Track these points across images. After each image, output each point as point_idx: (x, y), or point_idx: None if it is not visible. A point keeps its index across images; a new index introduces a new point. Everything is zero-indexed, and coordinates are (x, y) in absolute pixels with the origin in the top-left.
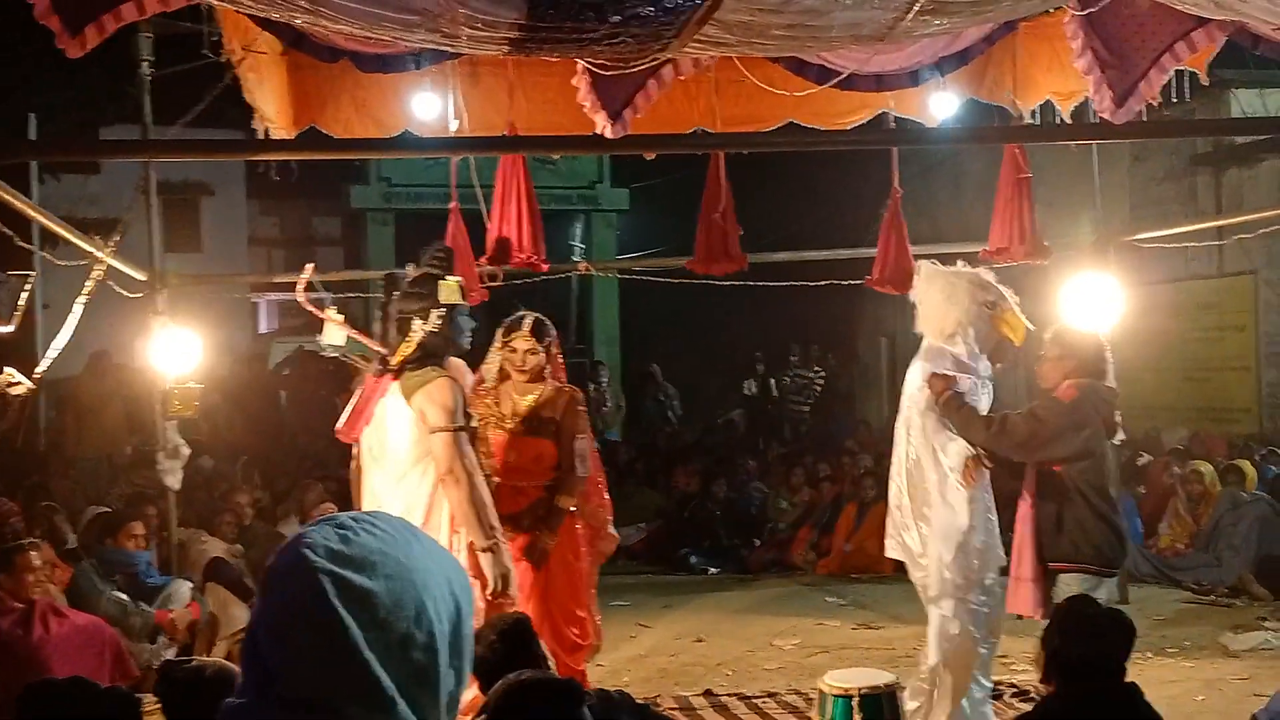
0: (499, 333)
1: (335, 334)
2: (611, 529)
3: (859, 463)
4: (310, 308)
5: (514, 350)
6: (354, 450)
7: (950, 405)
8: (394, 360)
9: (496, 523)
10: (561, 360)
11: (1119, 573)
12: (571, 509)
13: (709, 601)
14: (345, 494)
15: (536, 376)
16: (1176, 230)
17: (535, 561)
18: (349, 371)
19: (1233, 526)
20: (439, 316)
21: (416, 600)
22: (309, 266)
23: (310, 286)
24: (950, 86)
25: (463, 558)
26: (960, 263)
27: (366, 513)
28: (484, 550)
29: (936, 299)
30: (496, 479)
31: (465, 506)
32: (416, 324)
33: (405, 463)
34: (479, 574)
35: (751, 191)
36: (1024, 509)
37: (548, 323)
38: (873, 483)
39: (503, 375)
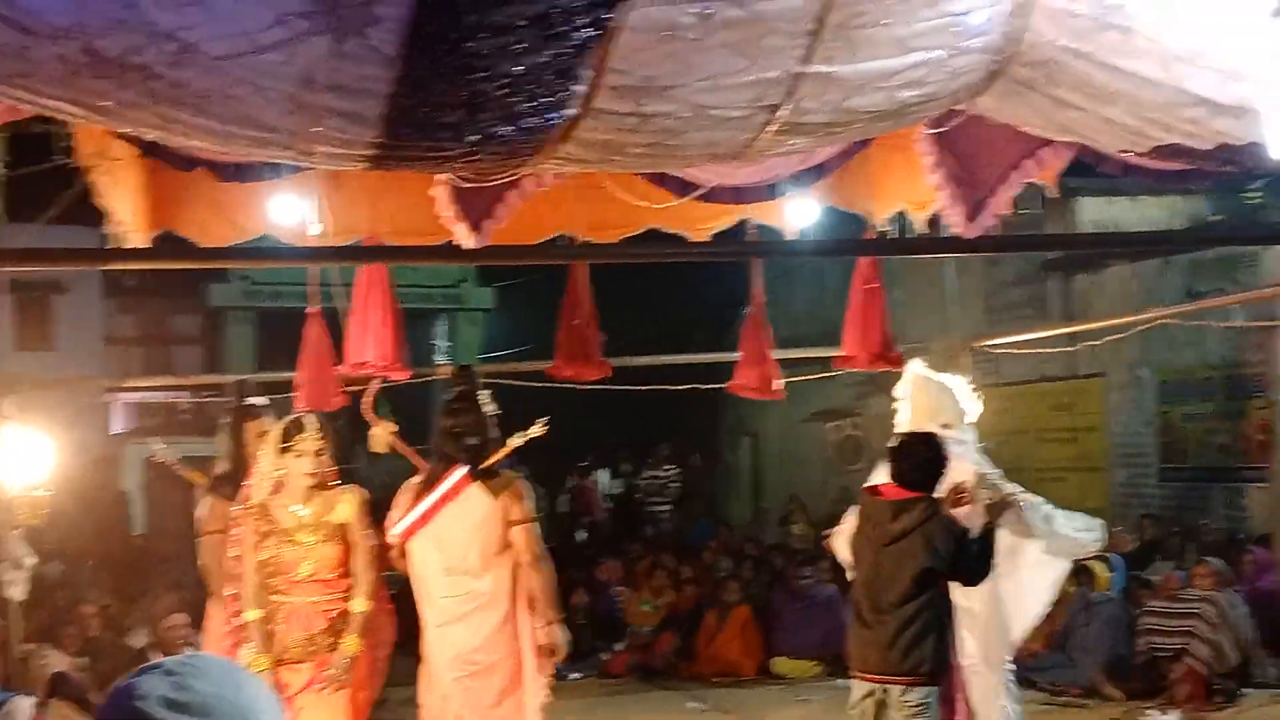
0: (272, 441)
1: (380, 442)
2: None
3: (720, 565)
4: (370, 417)
5: (300, 455)
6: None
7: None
8: (485, 464)
9: None
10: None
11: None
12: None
13: (570, 707)
14: (197, 602)
15: (324, 479)
16: (1026, 336)
17: (340, 679)
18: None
19: (1085, 628)
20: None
21: None
22: (375, 381)
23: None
24: (808, 195)
25: (526, 636)
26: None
27: (189, 656)
28: (556, 622)
29: (927, 399)
30: (293, 599)
31: (550, 586)
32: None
33: (492, 555)
34: (543, 650)
35: (613, 291)
36: None
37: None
38: (736, 586)
39: (277, 487)
